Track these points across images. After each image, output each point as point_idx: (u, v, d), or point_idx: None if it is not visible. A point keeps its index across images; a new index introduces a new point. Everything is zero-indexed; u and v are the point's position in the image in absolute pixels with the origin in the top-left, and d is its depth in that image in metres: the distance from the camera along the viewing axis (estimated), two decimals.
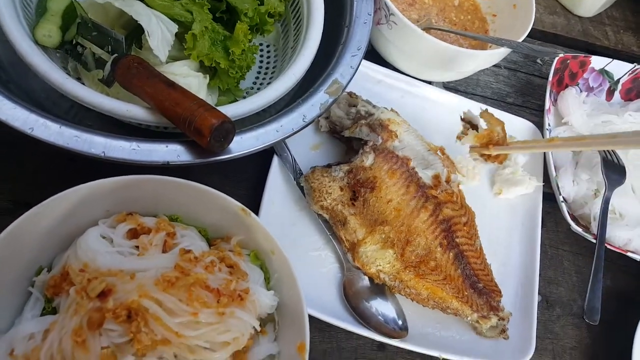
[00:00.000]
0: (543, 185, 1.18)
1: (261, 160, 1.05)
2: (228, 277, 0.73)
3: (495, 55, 1.18)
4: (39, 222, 0.73)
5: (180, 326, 0.65)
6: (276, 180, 1.01)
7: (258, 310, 0.75)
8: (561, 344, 1.09)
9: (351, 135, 1.04)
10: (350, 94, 1.12)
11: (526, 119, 1.28)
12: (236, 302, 0.71)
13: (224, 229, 0.84)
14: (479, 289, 1.00)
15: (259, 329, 0.72)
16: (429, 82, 1.26)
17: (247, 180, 1.03)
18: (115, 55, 0.86)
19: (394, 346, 0.98)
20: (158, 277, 0.67)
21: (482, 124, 1.16)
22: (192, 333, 0.66)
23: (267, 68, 1.15)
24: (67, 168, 0.95)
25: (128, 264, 0.70)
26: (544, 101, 1.28)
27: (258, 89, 1.11)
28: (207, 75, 0.95)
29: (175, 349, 0.67)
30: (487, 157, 1.20)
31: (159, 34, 0.87)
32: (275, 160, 1.04)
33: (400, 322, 0.95)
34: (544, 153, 1.21)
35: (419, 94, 1.23)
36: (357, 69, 0.94)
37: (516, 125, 1.25)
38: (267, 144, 0.84)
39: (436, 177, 1.00)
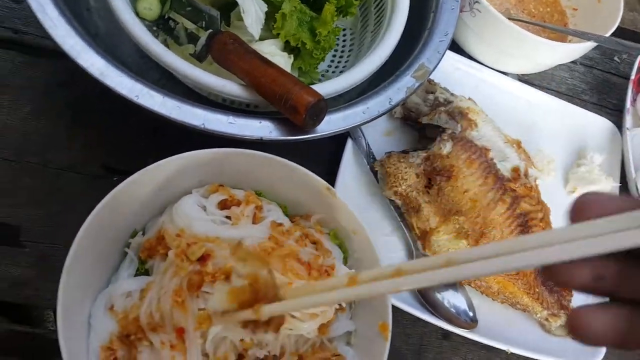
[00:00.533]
0: (619, 186, 1.15)
1: (335, 143, 1.06)
2: (315, 252, 0.75)
3: (577, 49, 1.15)
4: (137, 189, 0.76)
5: None
6: (349, 163, 1.02)
7: None
8: None
9: (429, 122, 1.04)
10: (428, 80, 1.11)
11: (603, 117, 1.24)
12: (323, 277, 0.72)
13: (304, 207, 0.86)
14: (550, 286, 0.99)
15: (344, 304, 0.74)
16: (504, 74, 1.24)
17: (323, 164, 1.04)
18: (211, 30, 0.88)
19: (460, 336, 0.98)
20: (255, 246, 0.70)
21: None
22: None
23: (342, 52, 1.16)
24: (155, 140, 0.99)
25: (224, 232, 0.73)
26: (620, 100, 1.25)
27: (333, 72, 1.12)
28: (292, 55, 0.97)
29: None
30: None
31: (253, 12, 0.89)
32: (350, 143, 1.04)
33: (471, 314, 0.95)
34: (622, 152, 1.18)
35: (494, 84, 1.21)
36: (443, 55, 0.94)
37: (594, 124, 1.22)
38: (353, 125, 0.85)
39: (515, 170, 0.99)
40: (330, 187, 0.79)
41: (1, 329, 0.82)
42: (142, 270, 0.78)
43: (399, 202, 0.98)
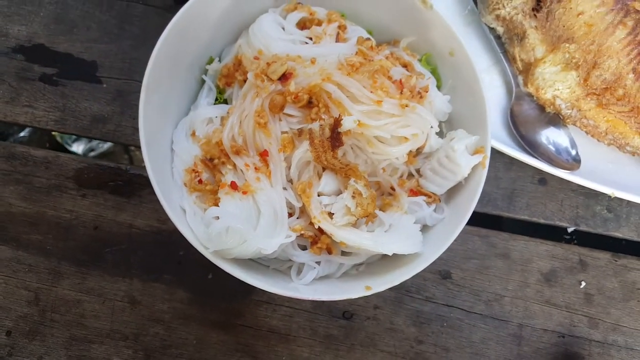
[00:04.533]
0: None
1: None
2: (407, 72, 0.67)
3: None
4: (207, 10, 0.69)
5: (363, 114, 0.62)
6: None
7: None
8: None
9: None
10: None
11: None
12: (416, 98, 0.65)
13: (391, 31, 0.76)
14: None
15: (437, 128, 0.67)
16: None
17: None
18: None
19: (556, 182, 0.90)
20: (341, 62, 0.63)
21: None
22: (373, 122, 0.62)
23: None
24: None
25: (306, 50, 0.66)
26: None
27: None
28: None
29: (354, 140, 0.65)
30: None
31: None
32: None
33: (573, 153, 0.85)
34: None
35: None
36: None
37: None
38: None
39: None
40: None
41: (89, 164, 0.84)
42: (221, 100, 0.75)
43: (500, 29, 0.85)
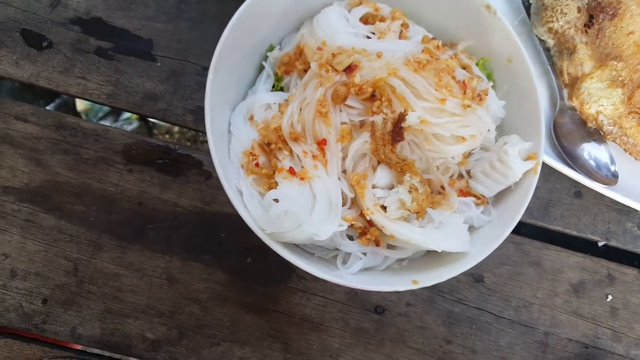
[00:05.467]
0: None
1: None
2: (468, 74, 0.68)
3: None
4: (272, 0, 0.71)
5: (425, 111, 0.63)
6: None
7: None
8: None
9: None
10: None
11: None
12: (475, 100, 0.66)
13: (449, 33, 0.77)
14: None
15: (494, 132, 0.68)
16: None
17: None
18: None
19: (591, 196, 0.92)
20: (408, 58, 0.64)
21: None
22: (434, 120, 0.63)
23: None
24: None
25: (372, 44, 0.67)
26: None
27: None
28: None
29: (412, 136, 0.66)
30: None
31: None
32: None
33: (612, 169, 0.87)
34: None
35: None
36: None
37: None
38: None
39: None
40: (490, 3, 0.70)
41: (138, 140, 0.85)
42: (278, 88, 0.76)
43: (551, 42, 0.87)
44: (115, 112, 1.61)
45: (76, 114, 1.57)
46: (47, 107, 1.49)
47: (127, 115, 1.64)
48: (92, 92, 0.86)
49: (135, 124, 1.67)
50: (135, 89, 0.86)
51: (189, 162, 0.85)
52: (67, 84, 0.86)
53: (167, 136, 1.66)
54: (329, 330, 0.83)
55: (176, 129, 1.62)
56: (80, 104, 1.58)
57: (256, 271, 0.83)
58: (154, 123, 1.66)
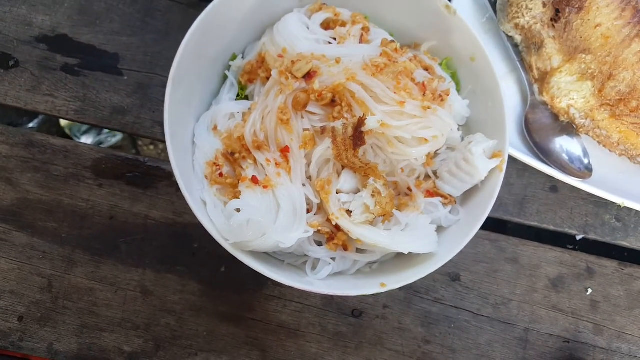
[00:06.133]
0: None
1: None
2: (429, 75, 0.68)
3: None
4: (233, 8, 0.71)
5: (385, 114, 0.63)
6: None
7: None
8: None
9: None
10: None
11: None
12: (437, 101, 0.66)
13: (412, 35, 0.77)
14: None
15: (456, 132, 0.68)
16: None
17: None
18: None
19: (567, 190, 0.91)
20: (366, 62, 0.64)
21: None
22: (395, 123, 0.63)
23: None
24: None
25: (331, 50, 0.67)
26: None
27: None
28: None
29: (374, 140, 0.66)
30: None
31: None
32: None
33: (585, 162, 0.87)
34: None
35: None
36: None
37: None
38: None
39: None
40: (450, 4, 0.69)
41: (107, 155, 0.85)
42: (242, 96, 0.76)
43: (518, 37, 0.87)
44: None
45: (60, 129, 1.57)
46: (30, 124, 1.50)
47: None
48: (60, 109, 0.86)
49: (119, 136, 1.66)
50: (103, 103, 0.86)
51: (158, 174, 0.85)
52: (35, 102, 0.86)
53: (151, 147, 1.66)
54: (307, 335, 0.82)
55: None
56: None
57: (230, 280, 0.83)
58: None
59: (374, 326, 0.84)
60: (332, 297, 0.84)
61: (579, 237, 0.92)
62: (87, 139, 1.61)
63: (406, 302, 0.85)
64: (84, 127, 1.65)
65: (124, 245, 0.82)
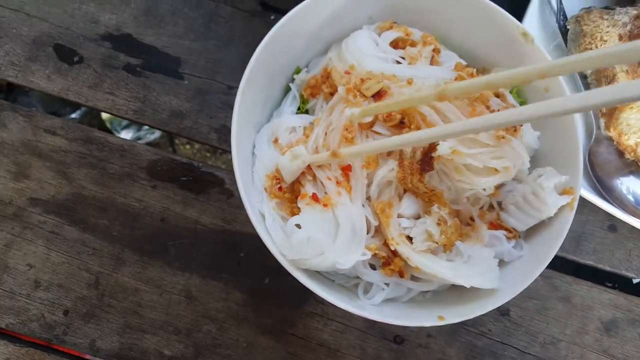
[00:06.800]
0: None
1: None
2: (503, 103, 0.66)
3: None
4: (302, 23, 0.70)
5: (457, 141, 0.61)
6: (533, 20, 0.87)
7: None
8: None
9: None
10: None
11: None
12: (510, 132, 0.64)
13: (482, 60, 0.75)
14: None
15: (528, 164, 0.66)
16: None
17: None
18: None
19: (627, 230, 0.88)
20: (440, 85, 0.62)
21: None
22: (466, 150, 0.61)
23: None
24: None
25: (402, 70, 0.66)
26: None
27: None
28: None
29: (441, 165, 0.64)
30: None
31: None
32: None
33: None
34: None
35: None
36: None
37: None
38: None
39: None
40: (527, 31, 0.67)
41: (163, 157, 0.85)
42: (303, 110, 0.75)
43: (588, 70, 0.84)
44: None
45: (101, 121, 1.59)
46: (73, 115, 1.52)
47: None
48: (120, 107, 0.86)
49: (157, 133, 1.68)
50: (162, 106, 0.87)
51: (211, 180, 0.84)
52: (95, 99, 0.87)
53: (187, 147, 1.67)
54: (346, 357, 0.81)
55: None
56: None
57: (273, 292, 0.82)
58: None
59: (416, 355, 0.81)
60: (374, 320, 0.82)
61: (635, 281, 0.88)
62: (126, 134, 1.63)
63: (451, 332, 0.82)
64: (125, 122, 1.68)
65: (172, 249, 0.82)
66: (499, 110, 0.63)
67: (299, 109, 0.75)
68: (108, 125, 1.62)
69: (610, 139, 0.85)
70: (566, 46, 0.86)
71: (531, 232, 0.69)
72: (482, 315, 0.83)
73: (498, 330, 0.83)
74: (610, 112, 0.84)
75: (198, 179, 0.85)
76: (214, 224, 0.83)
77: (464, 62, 0.69)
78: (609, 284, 0.89)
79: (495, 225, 0.67)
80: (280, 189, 0.68)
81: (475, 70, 0.66)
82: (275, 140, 0.71)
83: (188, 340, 0.80)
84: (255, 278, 0.82)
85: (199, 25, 0.90)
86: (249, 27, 0.90)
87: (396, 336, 0.82)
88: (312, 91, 0.74)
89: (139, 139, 1.67)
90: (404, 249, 0.62)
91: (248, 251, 0.83)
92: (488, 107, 0.62)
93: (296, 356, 0.80)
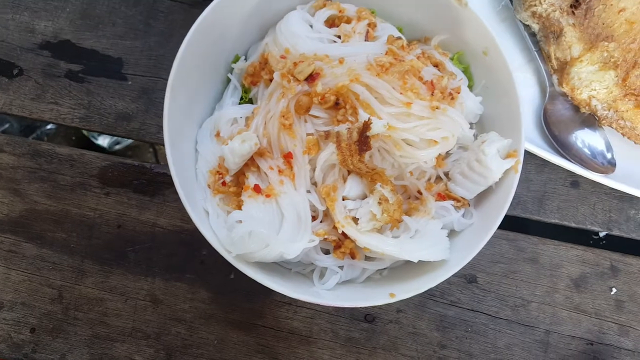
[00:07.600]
0: None
1: None
2: (438, 72, 0.65)
3: None
4: (234, 7, 0.68)
5: (391, 117, 0.60)
6: None
7: None
8: None
9: None
10: None
11: None
12: (447, 100, 0.62)
13: (422, 29, 0.74)
14: None
15: (467, 131, 0.64)
16: None
17: None
18: None
19: (589, 185, 0.87)
20: (370, 62, 0.60)
21: None
22: (402, 125, 0.60)
23: None
24: None
25: (334, 49, 0.64)
26: None
27: None
28: None
29: (381, 143, 0.63)
30: None
31: None
32: None
33: (609, 156, 0.82)
34: None
35: None
36: None
37: None
38: None
39: None
40: None
41: (113, 162, 0.84)
42: (246, 100, 0.73)
43: (535, 26, 0.82)
44: None
45: (77, 130, 1.57)
46: (49, 126, 1.50)
47: None
48: (65, 116, 0.85)
49: None
50: (108, 110, 0.85)
51: (164, 181, 0.83)
52: (40, 110, 0.85)
53: None
54: (319, 342, 0.81)
55: None
56: None
57: (240, 287, 0.81)
58: None
59: (387, 331, 0.81)
60: None
61: (602, 234, 0.88)
62: (103, 140, 1.61)
63: (420, 306, 0.82)
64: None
65: (132, 254, 0.81)
66: (432, 82, 0.61)
67: (242, 98, 0.74)
68: (85, 132, 1.60)
69: (564, 95, 0.84)
70: (512, 5, 0.84)
71: (480, 199, 0.68)
72: (450, 285, 0.84)
73: (467, 298, 0.83)
74: (562, 67, 0.83)
75: (151, 180, 0.83)
76: (172, 225, 0.82)
77: (396, 34, 0.67)
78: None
79: (443, 196, 0.66)
80: (224, 183, 0.67)
81: (405, 41, 0.65)
82: (217, 134, 0.70)
83: (158, 344, 0.80)
84: (220, 275, 0.82)
85: (138, 22, 0.88)
86: (189, 19, 0.86)
87: (367, 315, 0.82)
88: (252, 79, 0.72)
89: (118, 143, 1.65)
90: (350, 230, 0.62)
91: (210, 249, 0.81)
92: (420, 79, 0.61)
93: (268, 347, 0.80)
